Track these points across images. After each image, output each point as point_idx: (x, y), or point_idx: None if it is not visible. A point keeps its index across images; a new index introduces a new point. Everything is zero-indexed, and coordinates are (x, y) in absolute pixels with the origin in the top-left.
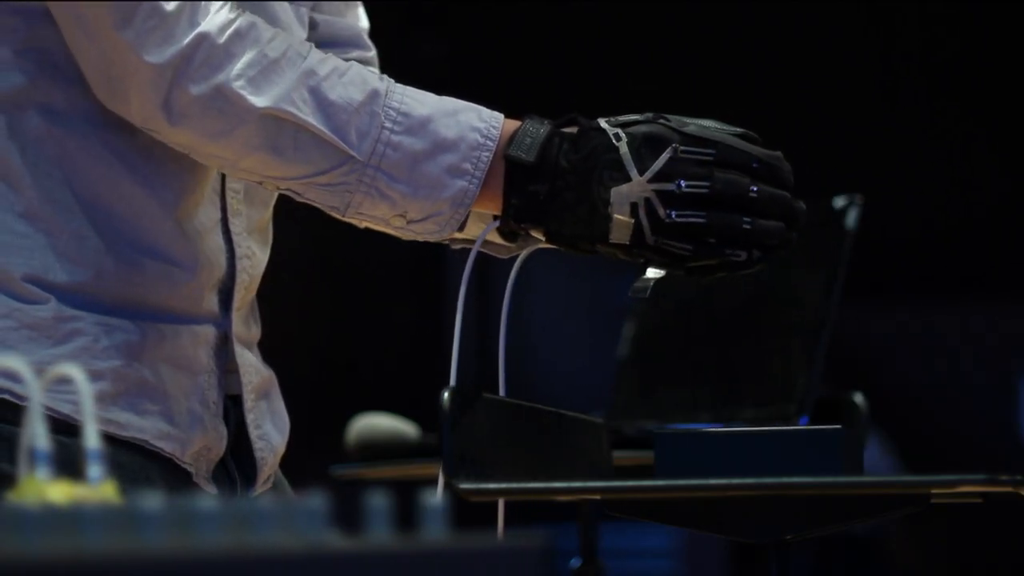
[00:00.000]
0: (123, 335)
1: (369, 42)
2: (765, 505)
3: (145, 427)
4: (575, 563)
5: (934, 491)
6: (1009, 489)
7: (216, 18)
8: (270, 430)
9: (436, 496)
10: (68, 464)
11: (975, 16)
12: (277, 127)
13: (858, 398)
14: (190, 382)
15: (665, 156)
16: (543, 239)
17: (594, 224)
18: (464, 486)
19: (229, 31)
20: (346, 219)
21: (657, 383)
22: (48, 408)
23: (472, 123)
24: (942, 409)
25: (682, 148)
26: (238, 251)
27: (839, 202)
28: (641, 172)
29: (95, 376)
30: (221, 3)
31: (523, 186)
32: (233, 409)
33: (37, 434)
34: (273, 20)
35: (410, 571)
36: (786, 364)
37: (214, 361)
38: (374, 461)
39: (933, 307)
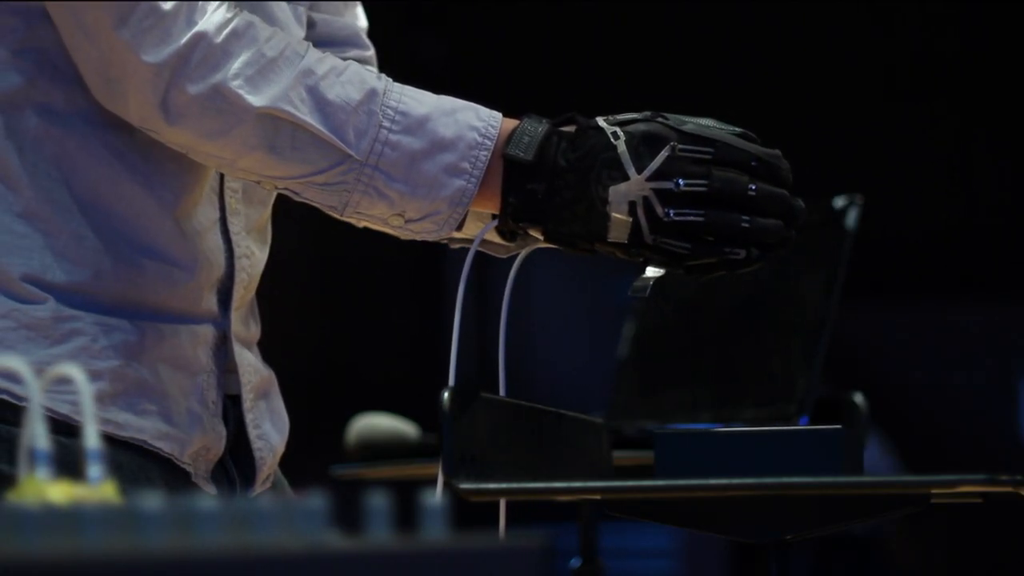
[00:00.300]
0: (122, 335)
1: (367, 41)
2: (765, 505)
3: (144, 427)
4: (575, 563)
5: (934, 491)
6: (1009, 489)
7: (213, 17)
8: (269, 430)
9: (436, 496)
10: (67, 464)
11: (975, 16)
12: (275, 126)
13: (858, 398)
14: (189, 382)
15: (663, 155)
16: (541, 238)
17: (592, 223)
18: (464, 486)
19: (226, 30)
20: (344, 218)
21: (657, 383)
22: (47, 409)
23: (470, 122)
24: (942, 409)
25: (680, 147)
26: (237, 250)
27: (839, 202)
28: (639, 171)
29: (94, 376)
30: (218, 3)
31: (521, 185)
32: (232, 409)
33: (37, 434)
34: (270, 19)
35: (410, 571)
36: (786, 364)
37: (213, 361)
38: (374, 461)
39: (933, 307)
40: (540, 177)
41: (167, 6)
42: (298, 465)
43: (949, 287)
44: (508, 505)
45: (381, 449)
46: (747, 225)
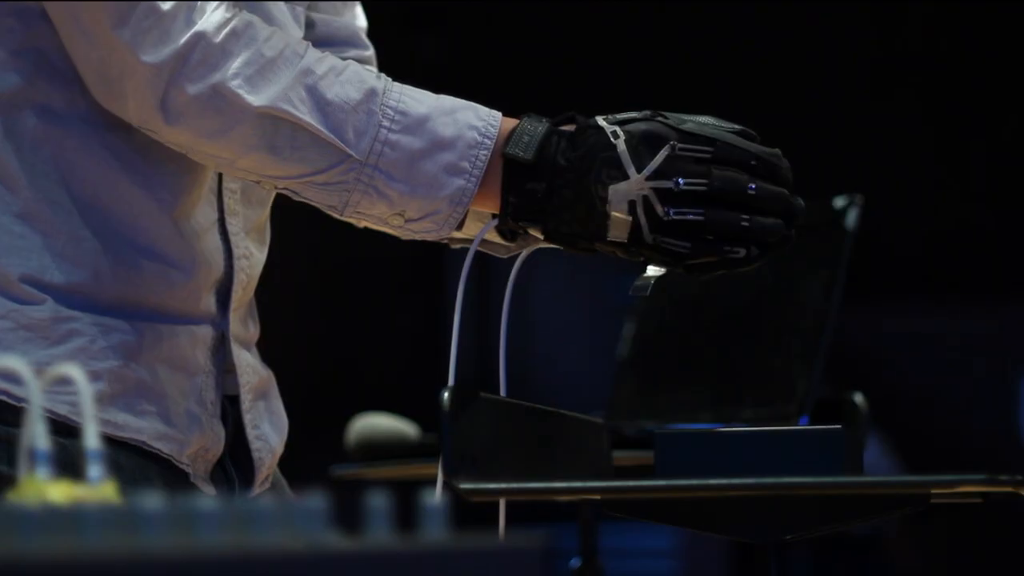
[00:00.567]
0: (120, 336)
1: (367, 41)
2: (765, 505)
3: (142, 428)
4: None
5: (934, 491)
6: (1009, 489)
7: (212, 17)
8: (268, 430)
9: (436, 496)
10: (66, 465)
11: (974, 16)
12: (274, 126)
13: (858, 398)
14: (187, 382)
15: (663, 154)
16: (542, 238)
17: (592, 222)
18: (464, 486)
19: (226, 30)
20: (344, 218)
21: (657, 383)
22: (45, 409)
23: (470, 121)
24: (942, 409)
25: (680, 146)
26: (235, 251)
27: (839, 202)
28: (639, 170)
29: (92, 377)
30: (217, 2)
31: (521, 184)
32: (231, 409)
33: (37, 434)
34: (269, 19)
35: (410, 571)
36: (786, 364)
37: (211, 361)
38: (374, 461)
39: (933, 307)
40: (540, 176)
41: (166, 6)
42: (298, 465)
43: (949, 287)
44: (508, 505)
45: (381, 449)
46: (747, 224)
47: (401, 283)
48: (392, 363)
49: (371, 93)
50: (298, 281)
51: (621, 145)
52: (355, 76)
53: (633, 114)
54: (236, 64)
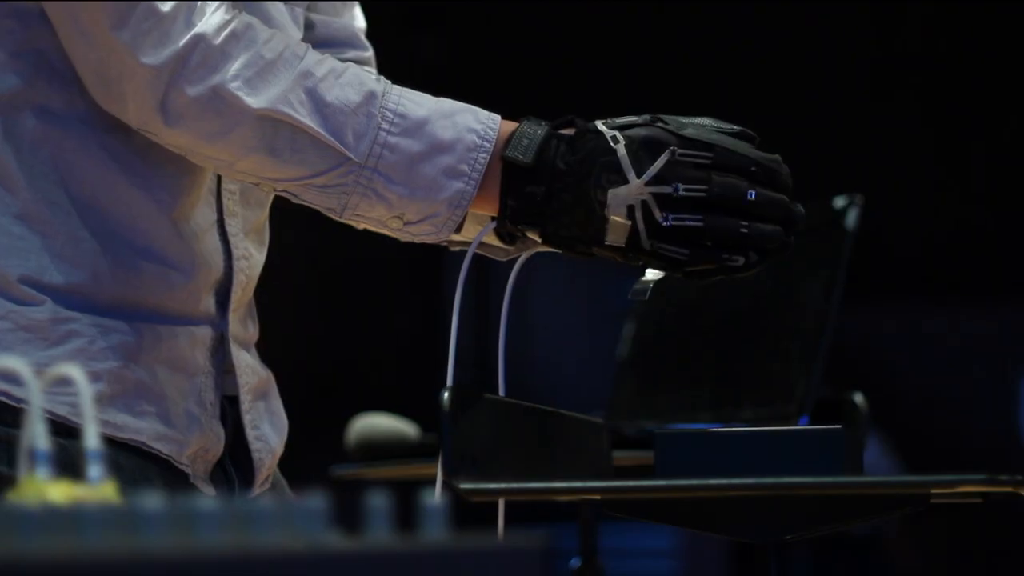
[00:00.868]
0: (119, 336)
1: (366, 42)
2: (765, 505)
3: (142, 428)
4: (575, 563)
5: (934, 491)
6: (1009, 489)
7: (212, 19)
8: (268, 431)
9: (436, 496)
10: (66, 466)
11: (974, 17)
12: (274, 128)
13: (858, 398)
14: (187, 383)
15: (663, 159)
16: (539, 241)
17: (590, 226)
18: (464, 486)
19: (225, 32)
20: (343, 220)
21: (657, 383)
22: (45, 410)
23: (469, 124)
24: (942, 409)
25: (680, 151)
26: (235, 252)
27: (839, 202)
28: (639, 175)
29: (92, 378)
30: (217, 4)
31: (520, 188)
32: (230, 410)
33: (37, 434)
34: (268, 21)
35: (410, 571)
36: (786, 364)
37: (211, 362)
38: (374, 461)
39: (933, 307)
40: (539, 180)
41: (165, 8)
42: (298, 465)
43: (949, 288)
44: (508, 505)
45: (381, 449)
46: (745, 231)
47: (401, 283)
48: (392, 363)
49: (370, 96)
50: (298, 282)
51: (621, 150)
52: (355, 79)
53: (632, 119)
54: (236, 66)
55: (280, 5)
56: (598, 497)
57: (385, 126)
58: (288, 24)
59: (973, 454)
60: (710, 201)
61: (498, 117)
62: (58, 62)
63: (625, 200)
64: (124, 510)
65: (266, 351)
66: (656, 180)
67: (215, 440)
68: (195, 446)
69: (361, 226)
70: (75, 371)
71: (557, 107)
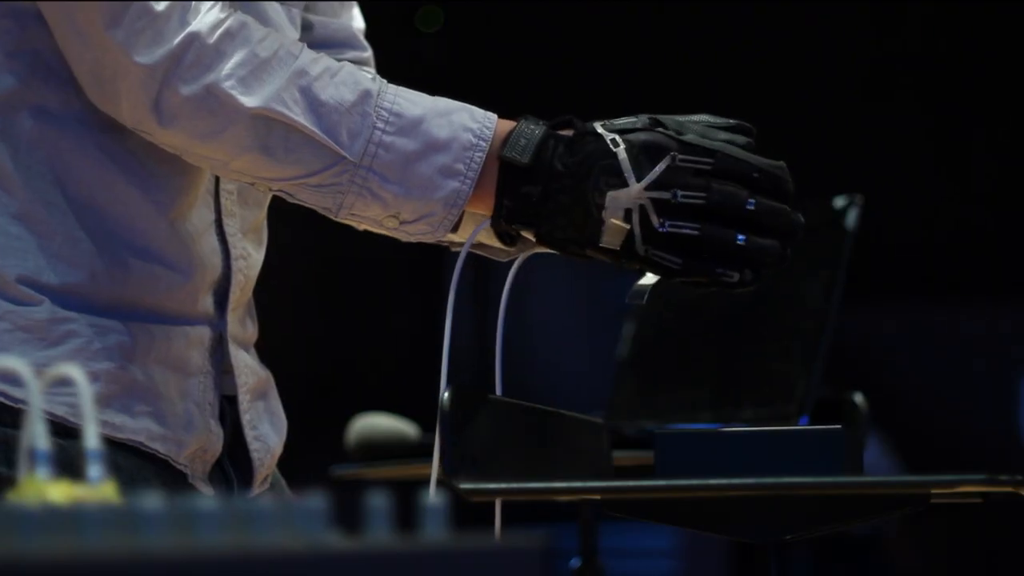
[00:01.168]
0: (117, 337)
1: (365, 43)
2: (765, 505)
3: (139, 429)
4: (575, 563)
5: (934, 491)
6: (1009, 489)
7: (207, 18)
8: (266, 431)
9: (431, 495)
10: (65, 466)
11: (974, 17)
12: (267, 127)
13: (858, 398)
14: (185, 383)
15: (663, 164)
16: (534, 240)
17: (586, 228)
18: (464, 486)
19: (220, 31)
20: (339, 220)
21: (657, 383)
22: (44, 411)
23: (465, 123)
24: (942, 409)
25: (680, 156)
26: (233, 252)
27: (839, 202)
28: (639, 179)
29: (90, 378)
30: (212, 3)
31: (516, 187)
32: (229, 410)
33: (37, 434)
34: (264, 21)
35: (410, 571)
36: (786, 364)
37: (209, 362)
38: (374, 461)
39: (933, 307)
40: (536, 180)
41: (160, 7)
42: (298, 465)
43: (949, 287)
44: (508, 505)
45: (381, 449)
46: (742, 243)
47: (401, 283)
48: (392, 363)
49: (365, 95)
50: (297, 281)
51: (622, 153)
52: (350, 77)
53: (631, 120)
54: (230, 65)
55: (276, 5)
56: (598, 497)
57: (380, 125)
58: (285, 24)
59: (973, 454)
60: (709, 209)
61: (494, 116)
62: (54, 62)
63: (623, 204)
64: (124, 510)
65: (265, 351)
66: (655, 185)
67: (214, 440)
68: (193, 446)
69: (361, 227)
70: (75, 371)
71: (557, 107)
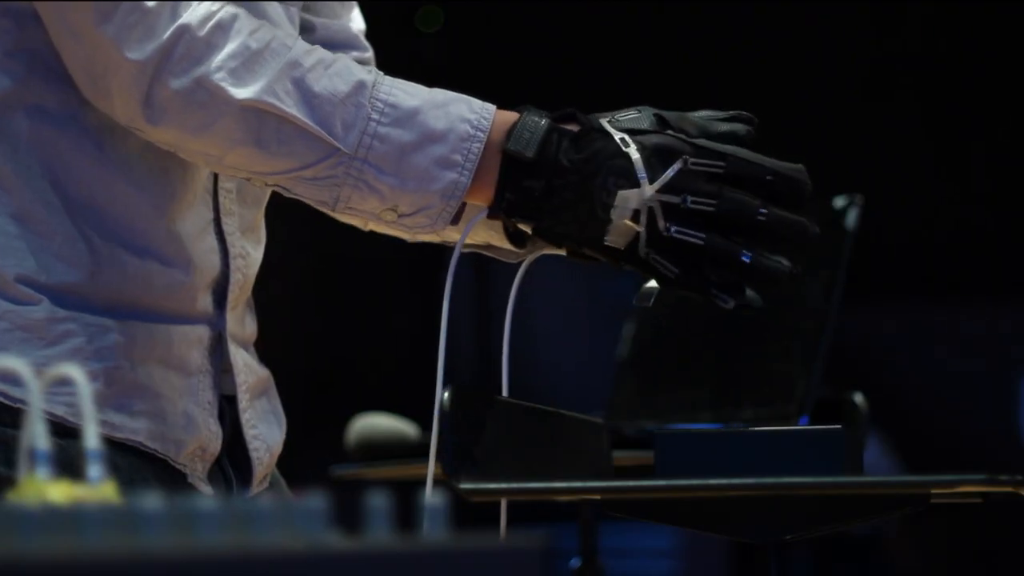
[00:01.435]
0: (116, 336)
1: (366, 44)
2: (765, 505)
3: (138, 428)
4: (575, 563)
5: (934, 491)
6: (1009, 489)
7: (198, 10)
8: (266, 430)
9: (428, 494)
10: (65, 466)
11: (973, 17)
12: (259, 119)
13: (858, 398)
14: (184, 383)
15: (675, 168)
16: (530, 233)
17: (590, 226)
18: (464, 486)
19: (211, 23)
20: (337, 214)
21: (657, 383)
22: (43, 410)
23: (462, 114)
24: (942, 409)
25: (692, 160)
26: (232, 251)
27: (839, 202)
28: (651, 182)
29: (89, 377)
30: None
31: (518, 181)
32: (228, 409)
33: (37, 434)
34: (263, 18)
35: (410, 571)
36: (786, 364)
37: (208, 361)
38: (374, 461)
39: (933, 307)
40: (539, 174)
41: (151, 3)
42: (298, 465)
43: (949, 287)
44: (508, 505)
45: (381, 449)
46: (747, 260)
47: (400, 283)
48: (391, 363)
49: (360, 86)
50: (296, 280)
51: (635, 154)
52: (344, 69)
53: (635, 115)
54: (220, 57)
55: (276, 4)
56: (598, 497)
57: (375, 116)
58: (284, 23)
59: (973, 454)
60: (718, 216)
61: (492, 107)
62: (52, 62)
63: (633, 204)
64: (124, 510)
65: (265, 350)
66: (665, 189)
67: (213, 439)
68: (192, 445)
69: (368, 226)
70: (75, 371)
71: (557, 107)
